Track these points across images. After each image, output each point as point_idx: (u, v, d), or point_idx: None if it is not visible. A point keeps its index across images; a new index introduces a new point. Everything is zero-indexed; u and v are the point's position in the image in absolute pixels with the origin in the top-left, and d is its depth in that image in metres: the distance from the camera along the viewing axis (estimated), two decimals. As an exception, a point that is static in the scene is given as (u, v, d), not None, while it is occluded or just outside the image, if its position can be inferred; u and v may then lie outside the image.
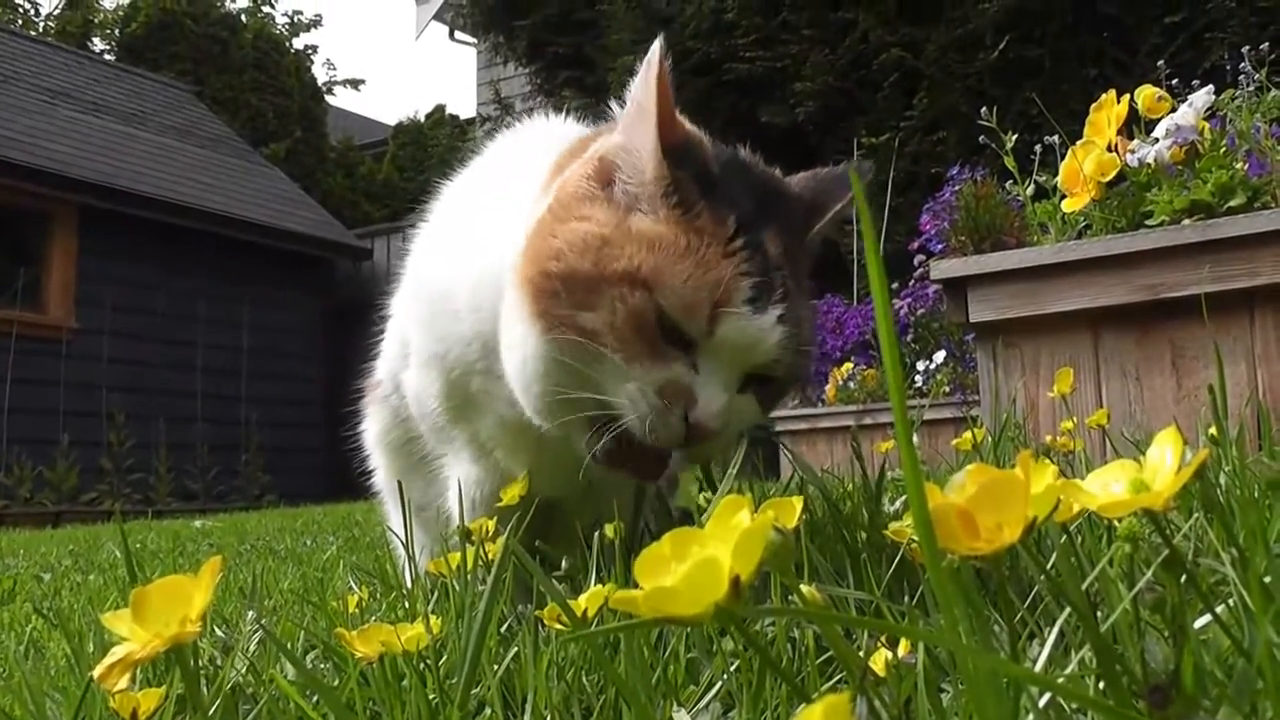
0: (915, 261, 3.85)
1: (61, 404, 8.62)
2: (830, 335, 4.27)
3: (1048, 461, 0.49)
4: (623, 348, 0.89)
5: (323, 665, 0.92)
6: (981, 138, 2.53)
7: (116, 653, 0.55)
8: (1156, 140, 1.99)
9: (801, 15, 5.69)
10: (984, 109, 2.40)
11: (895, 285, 4.21)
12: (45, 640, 1.48)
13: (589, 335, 0.90)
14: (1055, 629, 0.52)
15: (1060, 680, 0.51)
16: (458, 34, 10.83)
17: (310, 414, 10.06)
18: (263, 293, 10.24)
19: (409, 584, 1.23)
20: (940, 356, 3.84)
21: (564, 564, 1.00)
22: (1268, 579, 0.53)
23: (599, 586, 0.76)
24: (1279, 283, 1.83)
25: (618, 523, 0.97)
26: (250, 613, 1.18)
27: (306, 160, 14.41)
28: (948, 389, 3.66)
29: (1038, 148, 2.35)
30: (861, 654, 0.57)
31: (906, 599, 0.76)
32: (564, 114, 1.27)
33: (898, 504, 1.17)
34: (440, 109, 16.55)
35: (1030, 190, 2.31)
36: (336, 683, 0.84)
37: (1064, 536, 0.69)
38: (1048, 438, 1.44)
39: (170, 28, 14.31)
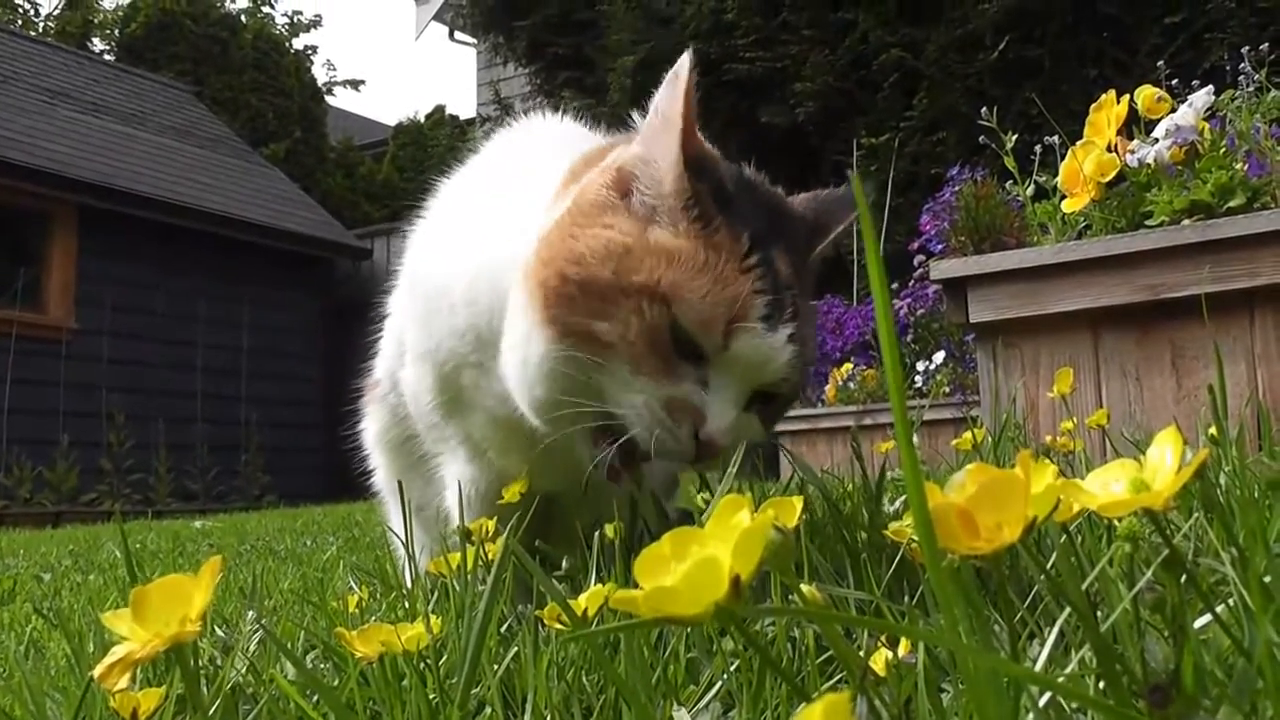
0: (915, 262, 3.85)
1: (61, 404, 8.62)
2: (830, 335, 4.27)
3: (1048, 461, 0.49)
4: (635, 359, 0.90)
5: (323, 665, 0.92)
6: (981, 138, 2.53)
7: (116, 652, 0.55)
8: (1156, 140, 1.99)
9: (801, 16, 5.69)
10: (984, 109, 2.40)
11: (895, 285, 4.21)
12: (45, 640, 1.48)
13: (601, 344, 0.90)
14: (1055, 629, 0.52)
15: (1060, 680, 0.51)
16: (457, 34, 10.82)
17: (310, 414, 10.06)
18: (262, 293, 10.24)
19: (409, 584, 1.23)
20: (940, 357, 3.84)
21: (564, 564, 1.00)
22: (1267, 579, 0.53)
23: (599, 586, 0.76)
24: (1279, 283, 1.83)
25: (617, 523, 0.97)
26: (250, 613, 1.18)
27: (306, 160, 14.41)
28: (947, 389, 3.66)
29: (1038, 148, 2.35)
30: (862, 654, 0.57)
31: (906, 599, 0.76)
32: (560, 114, 1.27)
33: (898, 504, 1.17)
34: (440, 109, 16.54)
35: (1030, 190, 2.31)
36: (336, 682, 0.84)
37: (1064, 536, 0.69)
38: (1048, 438, 1.44)
39: (170, 28, 14.31)
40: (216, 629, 1.14)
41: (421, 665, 0.75)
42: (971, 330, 2.38)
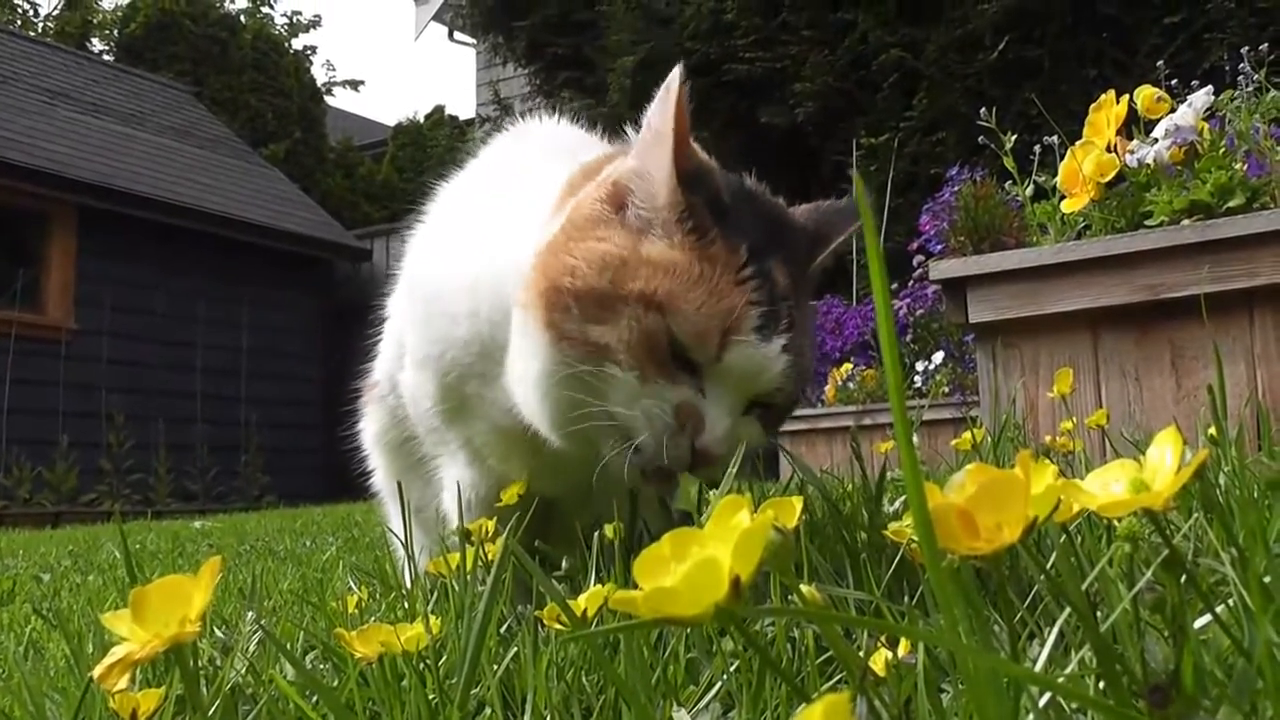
0: (914, 262, 3.85)
1: (61, 405, 8.62)
2: (830, 336, 4.27)
3: (1047, 461, 0.49)
4: (636, 366, 0.90)
5: (322, 666, 0.92)
6: (981, 138, 2.53)
7: (116, 653, 0.55)
8: (1156, 141, 1.99)
9: (801, 16, 5.69)
10: (983, 109, 2.40)
11: (894, 286, 4.21)
12: (45, 641, 1.48)
13: (599, 350, 0.91)
14: (1055, 629, 0.52)
15: (1060, 680, 0.51)
16: (457, 35, 10.83)
17: (309, 414, 10.06)
18: (262, 293, 10.24)
19: (408, 584, 1.23)
20: (939, 357, 3.84)
21: (563, 564, 1.00)
22: (1267, 579, 0.53)
23: (598, 587, 0.76)
24: (1278, 283, 1.83)
25: (617, 523, 0.97)
26: (250, 613, 1.18)
27: (305, 161, 14.42)
28: (947, 389, 3.66)
29: (1037, 148, 2.35)
30: (861, 654, 0.56)
31: (906, 599, 0.76)
32: (558, 115, 1.27)
33: (897, 504, 1.17)
34: (439, 110, 16.55)
35: (1029, 191, 2.31)
36: (336, 683, 0.84)
37: (1064, 536, 0.69)
38: (1047, 438, 1.44)
39: (169, 28, 14.31)
40: (216, 629, 1.14)
41: (421, 666, 0.75)
42: (971, 330, 2.38)
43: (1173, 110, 2.01)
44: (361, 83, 19.52)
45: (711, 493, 1.06)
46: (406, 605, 1.07)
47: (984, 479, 0.45)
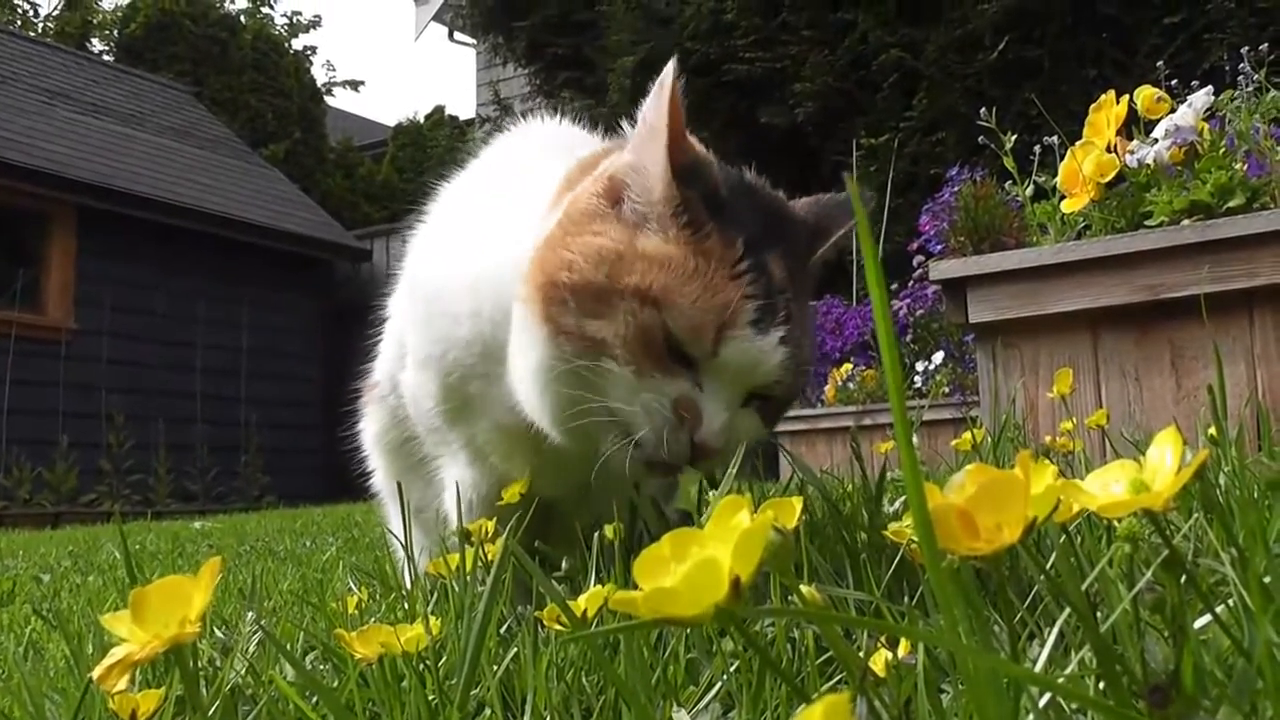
0: (914, 262, 3.85)
1: (60, 405, 8.62)
2: (830, 336, 4.27)
3: (1047, 462, 0.49)
4: (632, 360, 0.91)
5: (322, 666, 0.92)
6: (981, 138, 2.53)
7: (116, 654, 0.55)
8: (1156, 141, 1.99)
9: (801, 16, 5.69)
10: (983, 110, 2.40)
11: (894, 286, 4.21)
12: (44, 641, 1.48)
13: (596, 344, 0.91)
14: (1055, 629, 0.52)
15: (1060, 680, 0.51)
16: (457, 35, 10.83)
17: (309, 415, 10.06)
18: (262, 294, 10.24)
19: (408, 585, 1.23)
20: (939, 357, 3.84)
21: (563, 565, 1.00)
22: (1267, 579, 0.53)
23: (598, 587, 0.76)
24: (1278, 283, 1.83)
25: (617, 524, 0.97)
26: (250, 614, 1.18)
27: (305, 161, 14.41)
28: (947, 390, 3.66)
29: (1037, 148, 2.35)
30: (861, 654, 0.56)
31: (906, 599, 0.76)
32: (559, 115, 1.27)
33: (897, 504, 1.17)
34: (439, 110, 16.54)
35: (1029, 191, 2.31)
36: (336, 684, 0.84)
37: (1063, 537, 0.69)
38: (1047, 438, 1.44)
39: (169, 28, 14.31)
40: (216, 630, 1.14)
41: (421, 666, 0.75)
42: (971, 330, 2.38)
43: (1173, 110, 2.01)
44: (361, 83, 19.53)
45: (711, 493, 1.07)
46: (406, 606, 1.07)
47: (984, 479, 0.45)
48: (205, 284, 9.74)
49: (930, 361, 3.87)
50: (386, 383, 1.30)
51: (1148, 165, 1.98)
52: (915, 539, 0.71)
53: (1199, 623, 0.53)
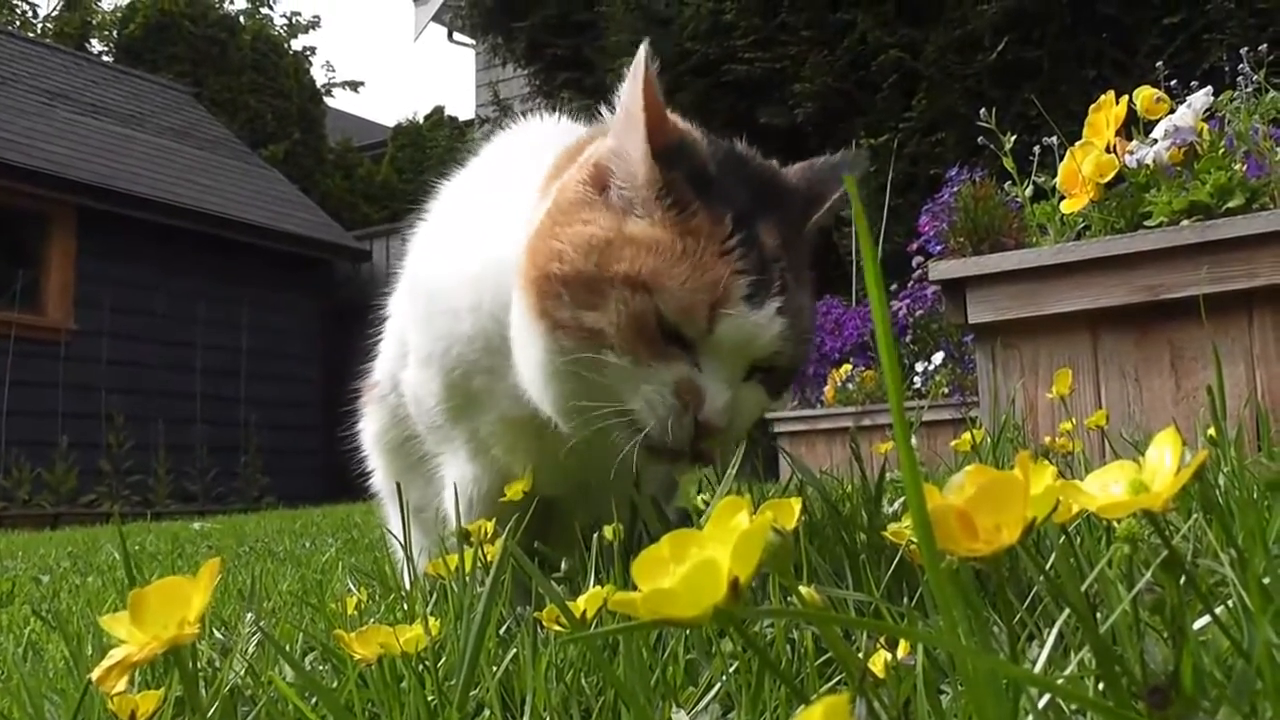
0: (914, 262, 3.85)
1: (60, 406, 8.62)
2: (829, 336, 4.27)
3: (1047, 462, 0.49)
4: (628, 349, 0.90)
5: (321, 667, 0.92)
6: (980, 139, 2.53)
7: (115, 655, 0.55)
8: (1155, 141, 1.99)
9: (800, 16, 5.69)
10: (983, 110, 2.40)
11: (894, 286, 4.21)
12: (44, 642, 1.48)
13: (593, 335, 0.91)
14: (1054, 630, 0.52)
15: (1059, 681, 0.51)
16: (456, 35, 10.82)
17: (309, 415, 10.06)
18: (261, 294, 10.24)
19: (408, 585, 1.23)
20: (939, 358, 3.84)
21: (563, 565, 1.00)
22: (1266, 580, 0.53)
23: (598, 588, 0.76)
24: (1277, 284, 1.83)
25: (616, 524, 0.97)
26: (249, 614, 1.18)
27: (305, 162, 14.41)
28: (946, 390, 3.66)
29: (1036, 149, 2.35)
30: (861, 655, 0.56)
31: (906, 600, 0.76)
32: (559, 114, 1.27)
33: (897, 505, 1.17)
34: (439, 110, 16.54)
35: (1029, 191, 2.31)
36: (335, 684, 0.84)
37: (1063, 538, 0.69)
38: (1046, 439, 1.44)
39: (168, 29, 14.30)
40: (215, 631, 1.14)
41: (420, 667, 0.75)
42: (970, 331, 2.38)
43: (1172, 111, 2.01)
44: (361, 84, 19.56)
45: (700, 498, 1.07)
46: (406, 606, 1.07)
47: (983, 480, 0.45)
48: (205, 284, 9.74)
49: (930, 362, 3.87)
50: (387, 382, 1.30)
51: (1147, 166, 1.98)
52: (914, 540, 0.71)
53: (1198, 624, 0.53)
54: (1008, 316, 2.12)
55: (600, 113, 1.05)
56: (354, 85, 19.06)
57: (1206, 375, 1.91)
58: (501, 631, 0.90)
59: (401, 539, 1.20)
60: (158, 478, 8.98)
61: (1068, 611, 0.53)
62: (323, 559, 2.33)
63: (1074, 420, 1.58)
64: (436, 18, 10.51)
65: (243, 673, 0.88)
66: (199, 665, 0.95)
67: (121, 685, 0.57)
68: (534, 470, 1.12)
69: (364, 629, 0.73)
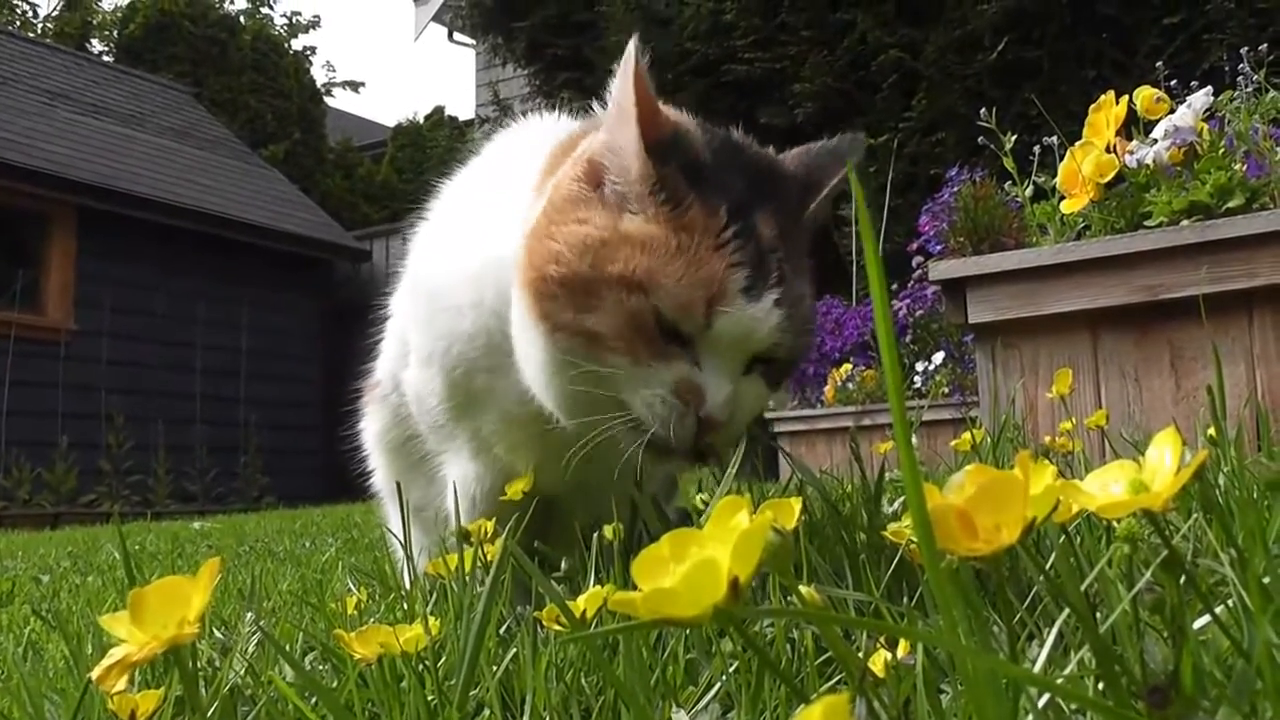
0: (914, 262, 3.85)
1: (60, 406, 8.62)
2: (829, 336, 4.27)
3: (1047, 462, 0.49)
4: (628, 350, 0.90)
5: (321, 667, 0.92)
6: (980, 139, 2.53)
7: (114, 654, 0.55)
8: (1155, 141, 1.99)
9: (800, 16, 5.69)
10: (983, 110, 2.40)
11: (894, 286, 4.21)
12: (44, 642, 1.48)
13: (592, 336, 0.91)
14: (1054, 630, 0.52)
15: (1059, 681, 0.51)
16: (456, 35, 10.82)
17: (309, 415, 10.06)
18: (261, 294, 10.24)
19: (408, 585, 1.23)
20: (939, 357, 3.84)
21: (563, 565, 1.00)
22: (1266, 579, 0.53)
23: (598, 588, 0.76)
24: (1277, 284, 1.83)
25: (616, 524, 0.97)
26: (249, 614, 1.18)
27: (305, 162, 14.41)
28: (946, 390, 3.66)
29: (1036, 149, 2.35)
30: (860, 655, 0.56)
31: (905, 600, 0.76)
32: (558, 114, 1.27)
33: (897, 505, 1.17)
34: (439, 110, 16.54)
35: (1029, 191, 2.31)
36: (335, 684, 0.84)
37: (1063, 537, 0.69)
38: (1046, 438, 1.44)
39: (169, 29, 14.30)
40: (215, 630, 1.14)
41: (420, 667, 0.75)
42: (970, 331, 2.38)
43: (1172, 111, 2.01)
44: (361, 84, 19.57)
45: (700, 497, 1.07)
46: (406, 606, 1.07)
47: (983, 480, 0.45)
48: (205, 285, 9.74)
49: (930, 362, 3.87)
50: (388, 382, 1.30)
51: (1147, 166, 1.98)
52: (914, 539, 0.71)
53: (1198, 623, 0.53)
54: (1008, 316, 2.12)
55: (591, 111, 1.05)
56: (354, 85, 19.08)
57: (1206, 375, 1.91)
58: (501, 631, 0.90)
59: (402, 538, 1.20)
60: (158, 478, 8.98)
61: (1067, 611, 0.53)
62: (322, 559, 2.33)
63: (1074, 420, 1.58)
64: (436, 18, 10.51)
65: (243, 672, 0.88)
66: (199, 665, 0.95)
67: (121, 685, 0.57)
68: (536, 468, 1.12)
69: (364, 629, 0.73)
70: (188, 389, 9.55)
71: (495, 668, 0.77)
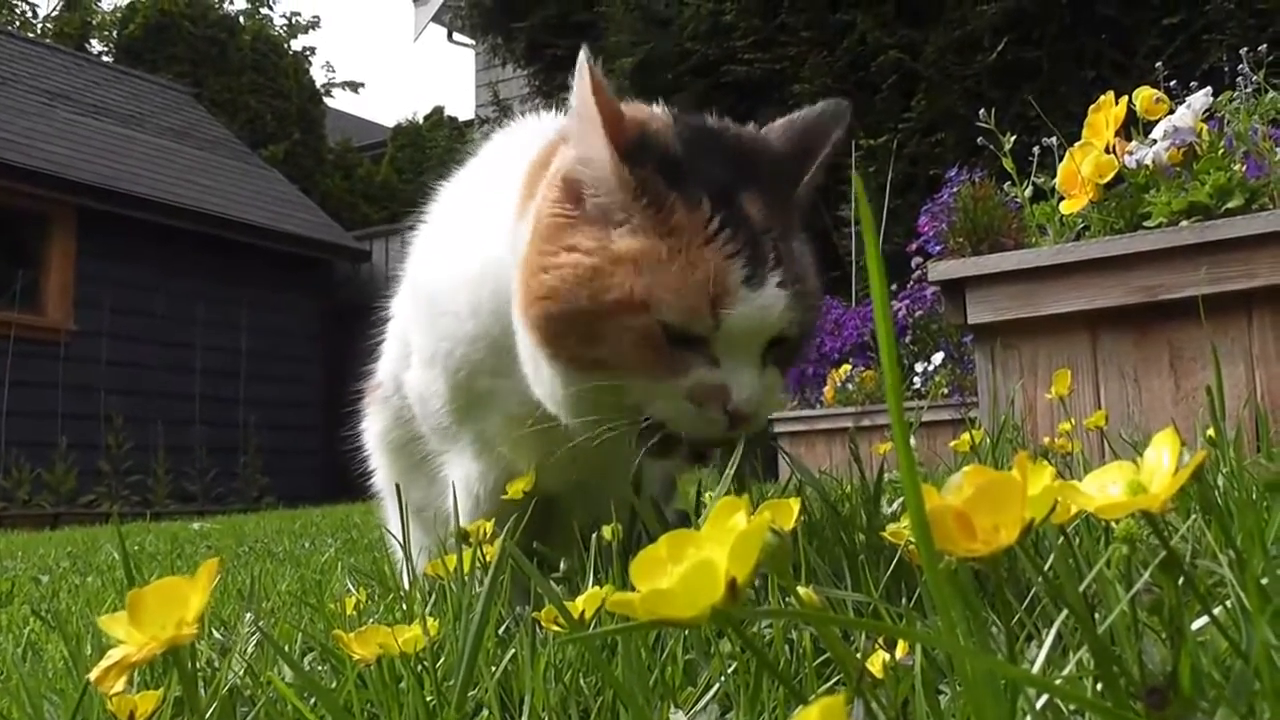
0: (913, 263, 3.85)
1: (60, 406, 8.61)
2: (829, 337, 4.27)
3: (1045, 463, 0.49)
4: (641, 368, 0.90)
5: (320, 667, 0.92)
6: (980, 139, 2.53)
7: (113, 655, 0.55)
8: (1154, 142, 1.99)
9: (800, 17, 5.69)
10: (982, 111, 2.40)
11: (893, 287, 4.21)
12: (43, 642, 1.48)
13: (602, 364, 0.91)
14: (1053, 630, 0.52)
15: (1058, 682, 0.51)
16: (456, 36, 10.82)
17: (309, 416, 10.06)
18: (261, 295, 10.24)
19: (407, 586, 1.23)
20: (938, 358, 3.84)
21: (561, 566, 1.00)
22: (1265, 580, 0.53)
23: (596, 588, 0.76)
24: (1276, 284, 1.83)
25: (615, 524, 0.97)
26: (248, 615, 1.18)
27: (305, 162, 14.41)
28: (946, 390, 3.66)
29: (1036, 149, 2.35)
30: (859, 656, 0.56)
31: (904, 601, 0.76)
32: (555, 113, 1.26)
33: (896, 505, 1.17)
34: (439, 111, 16.54)
35: (1028, 192, 2.32)
36: (334, 685, 0.84)
37: (1061, 538, 0.69)
38: (1046, 439, 1.44)
39: (168, 29, 14.30)
40: (214, 631, 1.14)
41: (419, 667, 0.75)
42: (970, 331, 2.38)
43: (1171, 111, 2.01)
44: (361, 84, 19.58)
45: (709, 494, 1.07)
46: (404, 607, 1.07)
47: (981, 481, 0.45)
48: (205, 285, 9.74)
49: (929, 362, 3.87)
50: (390, 383, 1.30)
51: (1146, 166, 1.98)
52: (913, 540, 0.71)
53: (1197, 624, 0.53)
54: (1007, 317, 2.12)
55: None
56: (354, 85, 19.10)
57: (1205, 375, 1.91)
58: (500, 632, 0.90)
59: (401, 539, 1.20)
60: (157, 478, 8.98)
61: (1066, 612, 0.53)
62: (322, 559, 2.33)
63: (1073, 421, 1.58)
64: (436, 18, 10.51)
65: (242, 673, 0.88)
66: (198, 665, 0.95)
67: (120, 685, 0.57)
68: (538, 467, 1.12)
69: (363, 629, 0.73)
70: (187, 389, 9.54)
71: (494, 668, 0.77)
